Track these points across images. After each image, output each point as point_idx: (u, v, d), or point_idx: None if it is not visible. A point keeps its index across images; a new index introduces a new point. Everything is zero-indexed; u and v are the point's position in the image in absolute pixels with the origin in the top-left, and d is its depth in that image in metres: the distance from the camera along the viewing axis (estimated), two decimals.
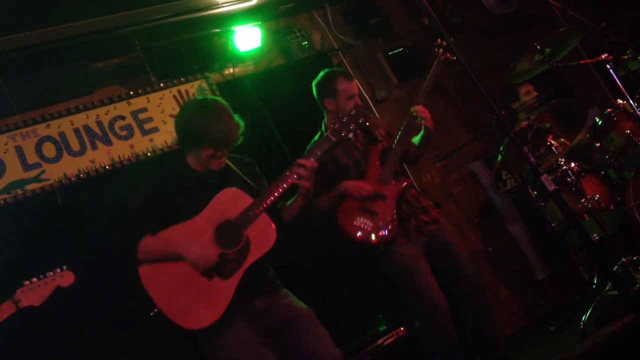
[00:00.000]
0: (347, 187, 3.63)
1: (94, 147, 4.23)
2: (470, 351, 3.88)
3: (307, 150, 3.77)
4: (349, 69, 5.33)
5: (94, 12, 4.12)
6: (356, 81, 3.90)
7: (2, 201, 3.88)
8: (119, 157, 4.26)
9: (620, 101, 4.55)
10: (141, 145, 4.35)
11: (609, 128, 4.46)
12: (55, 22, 4.01)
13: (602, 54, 4.10)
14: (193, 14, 4.55)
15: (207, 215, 2.93)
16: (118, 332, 3.83)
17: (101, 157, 4.22)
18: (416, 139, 3.88)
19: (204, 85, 4.68)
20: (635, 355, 3.45)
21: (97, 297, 3.81)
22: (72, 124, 4.22)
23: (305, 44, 5.20)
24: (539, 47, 4.17)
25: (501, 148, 4.47)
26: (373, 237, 3.59)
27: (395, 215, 3.63)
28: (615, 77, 4.09)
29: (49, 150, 4.11)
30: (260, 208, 2.93)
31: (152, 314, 2.86)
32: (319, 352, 2.99)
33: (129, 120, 4.38)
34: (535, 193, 4.61)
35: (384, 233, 3.59)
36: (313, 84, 3.86)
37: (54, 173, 4.07)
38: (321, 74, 3.85)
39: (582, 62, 4.49)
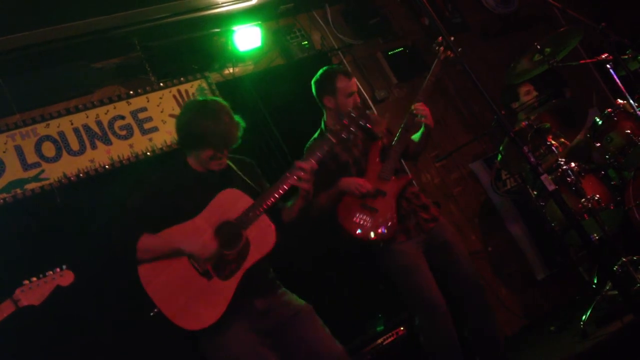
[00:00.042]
0: (346, 184, 3.62)
1: (94, 147, 4.23)
2: (470, 351, 3.87)
3: (306, 148, 3.78)
4: (349, 69, 5.33)
5: (93, 11, 4.12)
6: (355, 79, 3.90)
7: (1, 200, 3.88)
8: (119, 156, 4.26)
9: (620, 101, 4.55)
10: (141, 144, 4.35)
11: (609, 128, 4.46)
12: (55, 21, 4.01)
13: (602, 53, 4.10)
14: (193, 14, 4.55)
15: (207, 216, 2.93)
16: (118, 332, 3.82)
17: (101, 156, 4.22)
18: (416, 136, 3.88)
19: (204, 85, 4.68)
20: (635, 355, 3.45)
21: (97, 296, 3.80)
22: (72, 124, 4.22)
23: (305, 44, 5.20)
24: (539, 47, 4.16)
25: (501, 148, 4.47)
26: (373, 234, 3.59)
27: (395, 213, 3.62)
28: (615, 77, 4.08)
29: (49, 149, 4.11)
30: (261, 209, 2.93)
31: (152, 314, 2.86)
32: (319, 350, 2.99)
33: (129, 119, 4.38)
34: (535, 193, 4.61)
35: (383, 230, 3.59)
36: (312, 81, 3.86)
37: (54, 172, 4.07)
38: (320, 71, 3.85)
39: (582, 62, 4.48)
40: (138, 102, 4.44)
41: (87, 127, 4.25)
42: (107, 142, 4.28)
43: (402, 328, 4.18)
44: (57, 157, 4.11)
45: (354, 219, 3.62)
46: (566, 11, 3.82)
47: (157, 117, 4.46)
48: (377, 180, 3.69)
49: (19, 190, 3.95)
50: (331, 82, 3.77)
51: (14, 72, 4.09)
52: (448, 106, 5.82)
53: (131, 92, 4.44)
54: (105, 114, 4.32)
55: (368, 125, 3.05)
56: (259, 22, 4.91)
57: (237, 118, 3.02)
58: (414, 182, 3.92)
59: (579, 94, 6.29)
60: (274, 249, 2.94)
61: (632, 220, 4.30)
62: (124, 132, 4.34)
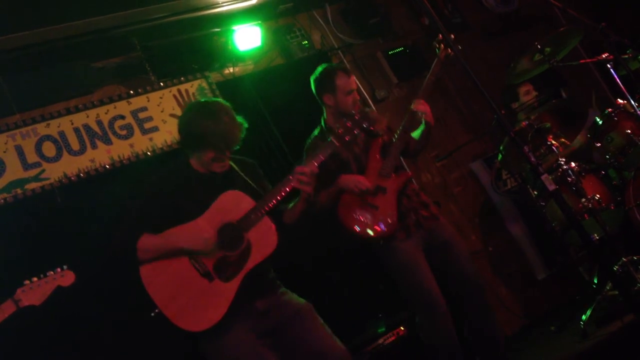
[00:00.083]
0: (346, 182, 3.62)
1: (94, 147, 4.23)
2: (470, 351, 3.87)
3: (306, 146, 3.79)
4: (348, 67, 5.32)
5: (93, 11, 4.12)
6: (354, 77, 3.90)
7: (2, 200, 3.88)
8: (119, 156, 4.26)
9: (620, 101, 4.55)
10: (141, 144, 4.34)
11: (609, 128, 4.46)
12: (55, 21, 4.01)
13: (603, 53, 4.10)
14: (193, 14, 4.55)
15: (209, 217, 2.93)
16: (118, 332, 3.83)
17: (101, 156, 4.22)
18: (416, 134, 3.88)
19: (204, 84, 4.68)
20: (635, 355, 3.45)
21: (98, 297, 3.80)
22: (72, 123, 4.22)
23: (305, 44, 5.20)
24: (539, 46, 4.16)
25: (501, 147, 4.47)
26: (373, 231, 3.59)
27: (395, 210, 3.62)
28: (615, 76, 4.08)
29: (49, 149, 4.11)
30: (262, 211, 2.93)
31: (152, 314, 2.86)
32: (319, 349, 2.99)
33: (129, 119, 4.38)
34: (535, 193, 4.60)
35: (383, 227, 3.59)
36: (311, 79, 3.86)
37: (54, 172, 4.07)
38: (319, 69, 3.85)
39: (582, 61, 4.48)
40: (138, 101, 4.44)
41: (87, 127, 4.25)
42: (108, 141, 4.28)
43: (402, 328, 4.18)
44: (57, 157, 4.11)
45: (355, 216, 3.62)
46: (566, 11, 3.82)
47: (157, 117, 4.45)
48: (378, 177, 3.69)
49: (19, 190, 3.95)
50: (330, 80, 3.77)
51: (14, 71, 4.08)
52: (448, 106, 5.82)
53: (131, 92, 4.44)
54: (106, 113, 4.32)
55: (371, 127, 3.05)
56: (259, 22, 4.91)
57: (239, 118, 3.01)
58: (413, 180, 3.91)
59: (579, 94, 6.29)
60: (275, 251, 2.93)
61: (632, 220, 4.30)
62: (124, 132, 4.34)
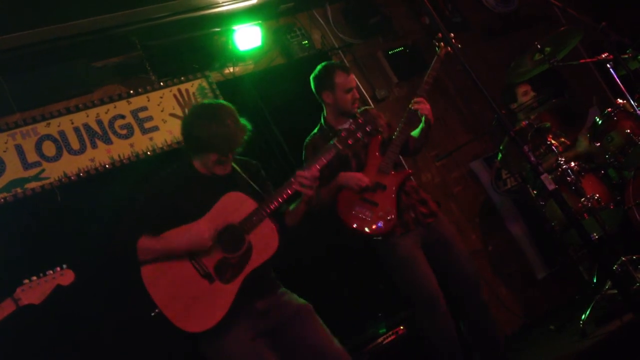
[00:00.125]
0: (345, 179, 3.63)
1: (94, 146, 4.23)
2: (469, 348, 3.88)
3: (305, 144, 3.79)
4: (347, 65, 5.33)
5: (94, 10, 4.12)
6: (353, 75, 3.90)
7: (1, 200, 3.88)
8: (119, 156, 4.26)
9: (620, 100, 4.55)
10: (141, 144, 4.35)
11: (609, 127, 4.47)
12: (56, 20, 4.00)
13: (603, 53, 4.10)
14: (193, 13, 4.55)
15: (211, 219, 2.93)
16: (118, 332, 3.83)
17: (101, 156, 4.22)
18: (416, 132, 3.88)
19: (204, 84, 4.68)
20: (634, 354, 3.46)
21: (97, 296, 3.80)
22: (72, 123, 4.22)
23: (306, 43, 5.20)
24: (539, 46, 4.16)
25: (501, 147, 4.47)
26: (372, 227, 3.59)
27: (395, 206, 3.63)
28: (615, 76, 4.08)
29: (49, 149, 4.11)
30: (264, 213, 2.93)
31: (152, 314, 2.87)
32: (319, 349, 2.99)
33: (129, 119, 4.38)
34: (535, 192, 4.61)
35: (383, 224, 3.59)
36: (311, 77, 3.86)
37: (54, 172, 4.07)
38: (319, 67, 3.85)
39: (582, 61, 4.48)
40: (138, 101, 4.44)
41: (87, 127, 4.25)
42: (108, 141, 4.28)
43: (402, 327, 4.18)
44: (57, 157, 4.11)
45: (354, 212, 3.62)
46: (566, 10, 3.82)
47: (157, 117, 4.46)
48: (377, 174, 3.69)
49: (19, 190, 3.95)
50: (329, 78, 3.78)
51: (14, 70, 4.09)
52: (448, 106, 5.82)
53: (131, 91, 4.44)
54: (106, 113, 4.33)
55: (376, 131, 3.05)
56: (259, 22, 4.91)
57: (242, 121, 2.99)
58: (412, 178, 3.92)
59: (579, 94, 6.29)
60: (277, 253, 2.93)
61: (631, 220, 4.31)
62: (124, 132, 4.34)
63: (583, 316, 4.12)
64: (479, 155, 5.69)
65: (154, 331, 3.23)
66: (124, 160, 4.26)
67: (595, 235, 4.27)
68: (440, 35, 3.88)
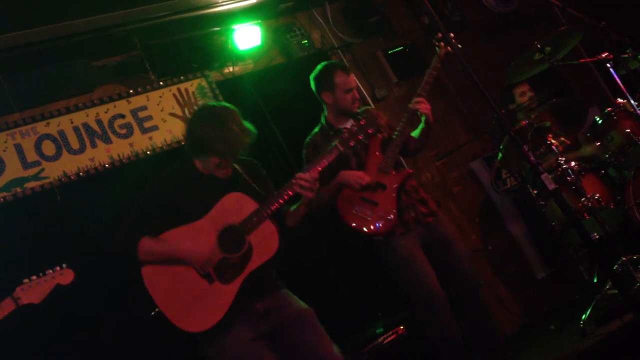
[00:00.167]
0: (345, 177, 3.62)
1: (94, 146, 4.23)
2: (469, 348, 3.87)
3: (305, 143, 3.79)
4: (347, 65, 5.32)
5: (94, 10, 4.12)
6: (353, 74, 3.89)
7: (1, 199, 3.88)
8: (119, 155, 4.26)
9: (620, 100, 4.54)
10: (141, 143, 4.34)
11: (609, 127, 4.47)
12: (56, 20, 4.00)
13: (603, 52, 4.10)
14: (193, 12, 4.55)
15: (212, 219, 2.93)
16: (118, 331, 3.82)
17: (101, 155, 4.22)
18: (416, 133, 3.88)
19: (204, 83, 4.68)
20: (635, 354, 3.45)
21: (97, 296, 3.80)
22: (72, 122, 4.22)
23: (305, 43, 5.20)
24: (539, 46, 4.16)
25: (501, 147, 4.46)
26: (372, 227, 3.59)
27: (395, 206, 3.62)
28: (615, 76, 4.08)
29: (49, 148, 4.11)
30: (264, 214, 2.93)
31: (152, 313, 2.86)
32: (319, 353, 2.98)
33: (129, 118, 4.38)
34: (535, 192, 4.60)
35: (383, 223, 3.59)
36: (311, 77, 3.86)
37: (54, 171, 4.07)
38: (319, 67, 3.85)
39: (582, 60, 4.48)
40: (138, 100, 4.44)
41: (87, 126, 4.25)
42: (107, 140, 4.28)
43: (401, 327, 4.17)
44: (57, 156, 4.11)
45: (354, 211, 3.62)
46: (566, 10, 3.82)
47: (157, 116, 4.45)
48: (377, 173, 3.69)
49: (18, 189, 3.95)
50: (329, 78, 3.77)
51: (14, 70, 4.09)
52: (448, 106, 5.82)
53: (131, 91, 4.44)
54: (105, 112, 4.32)
55: (377, 133, 3.05)
56: (259, 21, 4.91)
57: (247, 124, 2.97)
58: (412, 177, 3.92)
59: (579, 93, 6.29)
60: (277, 254, 2.93)
61: (632, 219, 4.31)
62: (124, 131, 4.34)
63: (583, 316, 4.12)
64: (479, 155, 5.69)
65: (154, 331, 3.24)
66: (124, 160, 4.26)
67: (596, 235, 4.26)
68: (440, 34, 3.88)
